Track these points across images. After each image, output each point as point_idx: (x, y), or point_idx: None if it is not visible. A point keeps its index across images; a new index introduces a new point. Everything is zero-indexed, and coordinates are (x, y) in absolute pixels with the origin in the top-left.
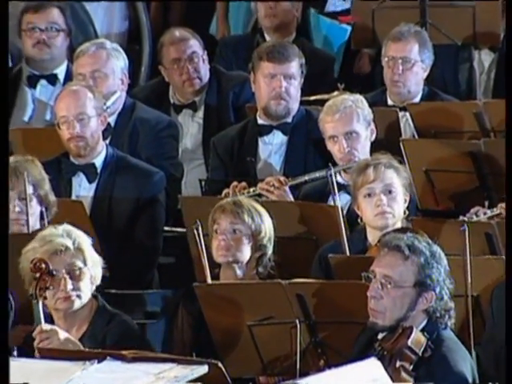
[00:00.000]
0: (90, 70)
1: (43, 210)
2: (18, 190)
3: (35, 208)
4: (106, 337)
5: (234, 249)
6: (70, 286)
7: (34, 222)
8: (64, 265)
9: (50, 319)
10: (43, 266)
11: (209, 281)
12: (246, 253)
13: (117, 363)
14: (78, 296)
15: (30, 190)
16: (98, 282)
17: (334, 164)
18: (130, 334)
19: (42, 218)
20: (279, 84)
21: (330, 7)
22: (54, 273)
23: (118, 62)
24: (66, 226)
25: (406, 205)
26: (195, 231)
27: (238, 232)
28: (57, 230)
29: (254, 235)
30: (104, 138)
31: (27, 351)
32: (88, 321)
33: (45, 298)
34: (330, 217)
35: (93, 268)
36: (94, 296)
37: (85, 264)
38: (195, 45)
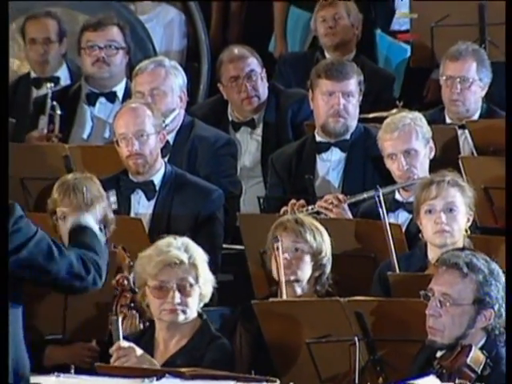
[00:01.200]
0: (149, 87)
1: (102, 227)
2: None
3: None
4: (204, 356)
5: (295, 267)
6: (177, 300)
7: None
8: (175, 278)
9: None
10: (125, 282)
11: (284, 297)
12: (306, 271)
13: (175, 381)
14: (183, 311)
15: None
16: (207, 300)
17: (393, 182)
18: (227, 359)
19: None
20: (337, 101)
21: (395, 26)
22: (137, 290)
23: (177, 80)
24: (186, 240)
25: (469, 224)
26: (275, 247)
27: (300, 251)
28: (176, 241)
29: (314, 254)
30: (163, 156)
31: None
32: (188, 337)
33: (125, 314)
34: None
35: (204, 286)
36: (199, 314)
37: (196, 281)
38: (253, 63)
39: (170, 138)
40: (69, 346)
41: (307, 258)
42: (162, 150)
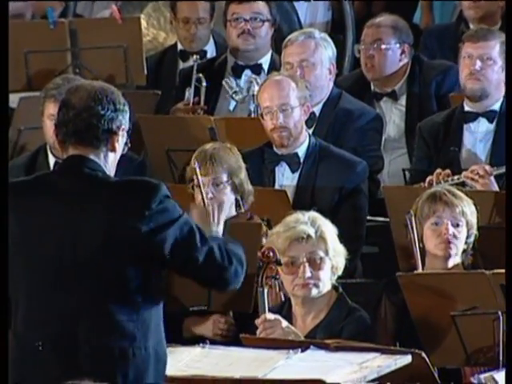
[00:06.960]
0: (298, 59)
1: (238, 198)
2: (213, 177)
3: (229, 196)
4: (342, 330)
5: (454, 241)
6: (308, 274)
7: (230, 210)
8: (305, 252)
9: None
10: (271, 254)
11: (419, 270)
12: (462, 244)
13: (320, 352)
14: (316, 285)
15: (224, 177)
16: (340, 272)
17: None
18: (365, 332)
19: (237, 205)
20: (473, 63)
21: None
22: (282, 262)
23: (326, 52)
24: (313, 214)
25: None
26: (408, 220)
27: (459, 225)
28: (303, 216)
29: (467, 227)
30: (308, 127)
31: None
32: (326, 311)
33: (270, 286)
34: None
35: (334, 258)
36: (334, 287)
37: (326, 253)
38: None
39: (317, 109)
40: (205, 318)
41: (464, 231)
42: (307, 121)
